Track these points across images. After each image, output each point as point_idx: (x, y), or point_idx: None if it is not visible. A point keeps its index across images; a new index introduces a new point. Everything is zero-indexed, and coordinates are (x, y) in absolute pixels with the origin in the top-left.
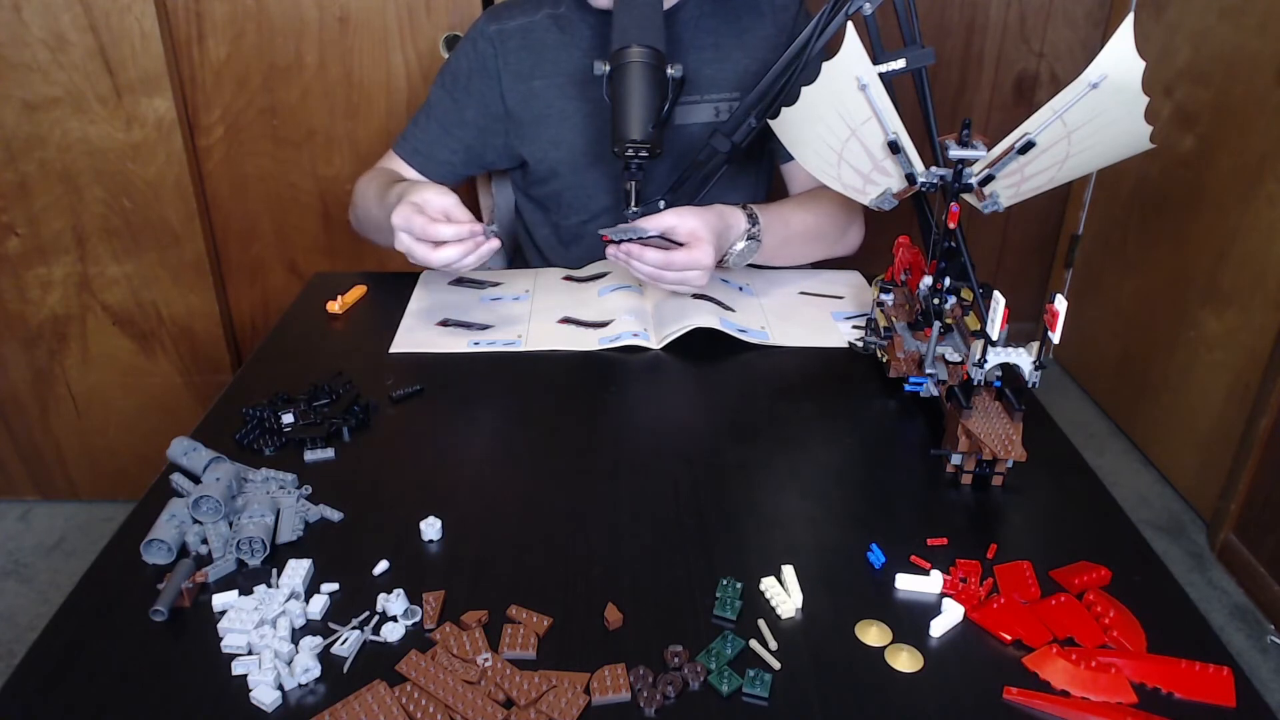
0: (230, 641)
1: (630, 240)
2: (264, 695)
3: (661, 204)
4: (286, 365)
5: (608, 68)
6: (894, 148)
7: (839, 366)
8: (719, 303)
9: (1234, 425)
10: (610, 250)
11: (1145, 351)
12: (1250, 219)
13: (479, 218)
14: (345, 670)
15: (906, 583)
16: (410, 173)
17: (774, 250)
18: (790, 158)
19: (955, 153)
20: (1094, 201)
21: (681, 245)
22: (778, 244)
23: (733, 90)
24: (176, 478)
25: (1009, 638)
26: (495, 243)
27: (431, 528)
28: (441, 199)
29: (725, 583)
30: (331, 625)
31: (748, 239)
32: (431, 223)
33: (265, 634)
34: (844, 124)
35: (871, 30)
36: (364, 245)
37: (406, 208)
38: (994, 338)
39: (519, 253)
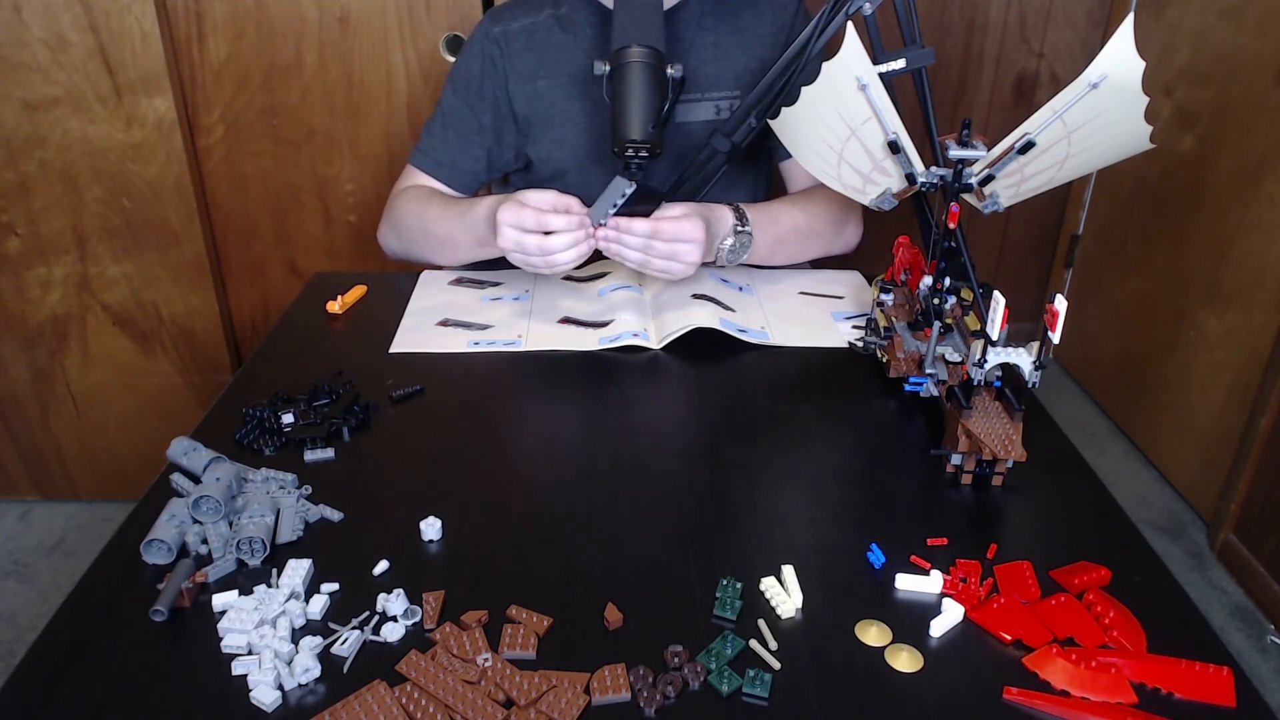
0: (230, 641)
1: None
2: (264, 695)
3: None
4: (286, 365)
5: (608, 68)
6: (894, 148)
7: (839, 366)
8: (719, 303)
9: (1234, 425)
10: (599, 234)
11: (1145, 351)
12: (1250, 219)
13: None
14: (345, 670)
15: (906, 583)
16: (437, 186)
17: (769, 249)
18: (787, 155)
19: (955, 153)
20: (1094, 201)
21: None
22: (771, 242)
23: (732, 89)
24: (176, 478)
25: (1009, 638)
26: (594, 241)
27: (431, 528)
28: (543, 194)
29: (725, 583)
30: (331, 625)
31: (736, 233)
32: (542, 213)
33: (265, 634)
34: (844, 124)
35: (871, 30)
36: (364, 245)
37: (513, 205)
38: (994, 338)
39: None
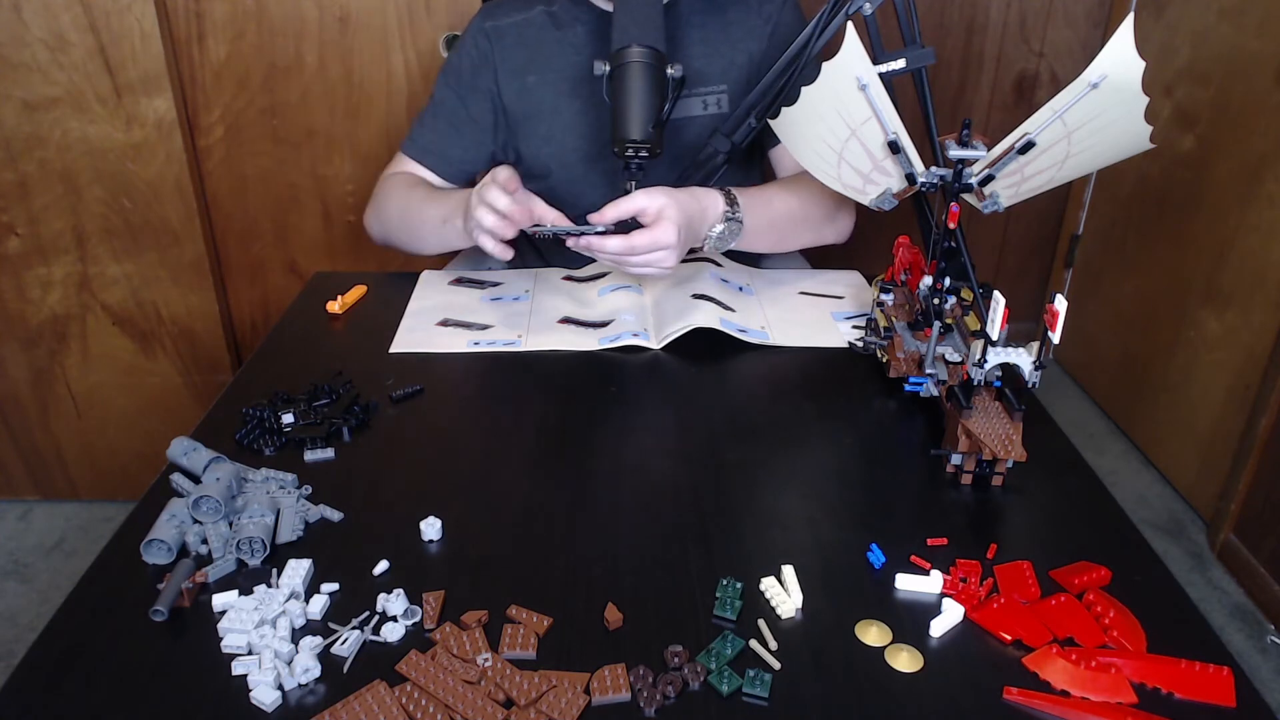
0: (230, 641)
1: (584, 233)
2: (264, 695)
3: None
4: (286, 365)
5: (608, 67)
6: (894, 148)
7: (839, 366)
8: (719, 303)
9: (1234, 425)
10: (570, 242)
11: (1145, 351)
12: (1250, 219)
13: None
14: (345, 670)
15: (906, 583)
16: (424, 174)
17: (758, 233)
18: (776, 143)
19: (955, 153)
20: (1094, 201)
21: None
22: (762, 226)
23: (719, 83)
24: (176, 478)
25: (1009, 638)
26: (509, 253)
27: (431, 528)
28: (507, 170)
29: (725, 583)
30: (331, 625)
31: (726, 220)
32: (495, 187)
33: (265, 634)
34: (844, 124)
35: (871, 30)
36: (364, 245)
37: (491, 186)
38: (994, 338)
39: (519, 253)
